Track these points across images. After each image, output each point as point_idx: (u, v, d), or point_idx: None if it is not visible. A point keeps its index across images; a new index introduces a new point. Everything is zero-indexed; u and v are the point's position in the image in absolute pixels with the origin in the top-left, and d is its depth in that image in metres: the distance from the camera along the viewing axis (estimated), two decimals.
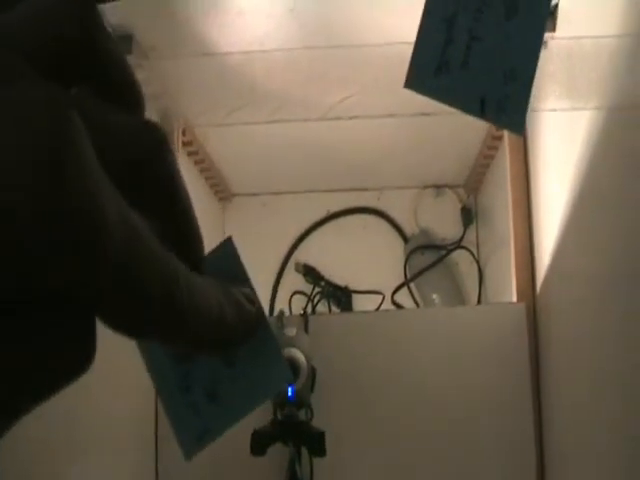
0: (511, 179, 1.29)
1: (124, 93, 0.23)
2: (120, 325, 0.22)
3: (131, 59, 1.11)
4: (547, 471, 1.18)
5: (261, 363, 0.28)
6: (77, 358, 0.21)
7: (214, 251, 0.31)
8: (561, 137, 1.11)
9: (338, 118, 1.02)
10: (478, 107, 0.47)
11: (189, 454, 0.31)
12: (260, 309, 0.28)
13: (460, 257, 1.77)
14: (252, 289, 0.30)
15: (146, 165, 0.22)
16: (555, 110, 1.03)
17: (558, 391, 1.14)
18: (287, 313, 1.34)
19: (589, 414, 0.99)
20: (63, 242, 0.18)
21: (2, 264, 0.18)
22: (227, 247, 0.31)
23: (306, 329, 1.24)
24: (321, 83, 0.99)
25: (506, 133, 1.33)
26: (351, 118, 1.03)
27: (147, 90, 1.19)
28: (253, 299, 0.27)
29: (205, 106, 1.16)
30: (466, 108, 0.47)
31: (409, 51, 0.46)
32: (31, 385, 0.20)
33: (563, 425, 1.12)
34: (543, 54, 0.45)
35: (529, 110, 0.45)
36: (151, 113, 1.29)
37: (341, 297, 1.78)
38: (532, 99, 0.47)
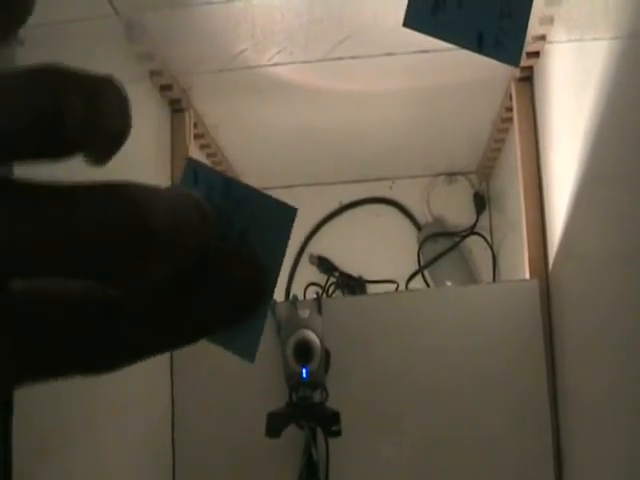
0: (521, 153, 1.28)
1: None
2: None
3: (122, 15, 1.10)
4: (563, 444, 1.18)
5: (263, 222, 0.29)
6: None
7: (183, 177, 0.31)
8: (570, 110, 1.11)
9: (339, 58, 1.03)
10: (475, 42, 0.47)
11: (252, 356, 0.31)
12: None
13: (474, 244, 1.76)
14: (232, 180, 0.30)
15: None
16: (562, 42, 1.03)
17: (573, 363, 1.13)
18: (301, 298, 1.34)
19: (605, 385, 0.98)
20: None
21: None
22: (191, 165, 0.31)
23: (319, 311, 1.24)
24: (321, 25, 0.99)
25: (515, 113, 1.33)
26: (352, 58, 1.03)
27: (140, 49, 1.18)
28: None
29: (204, 53, 1.17)
30: (464, 44, 0.47)
31: None
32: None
33: (578, 397, 1.11)
34: None
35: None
36: (150, 80, 1.28)
37: (355, 287, 1.78)
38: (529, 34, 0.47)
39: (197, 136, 1.52)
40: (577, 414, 1.12)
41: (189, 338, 0.23)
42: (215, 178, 0.30)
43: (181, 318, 0.23)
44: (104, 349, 0.21)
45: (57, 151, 0.19)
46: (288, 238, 0.29)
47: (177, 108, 1.41)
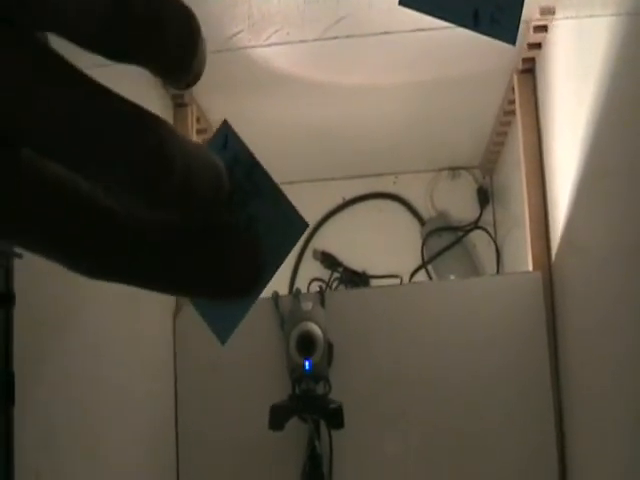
0: (524, 146, 1.28)
1: None
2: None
3: None
4: (566, 435, 1.17)
5: (273, 222, 0.29)
6: None
7: (213, 137, 0.31)
8: (572, 102, 1.11)
9: (335, 38, 1.03)
10: (471, 20, 0.47)
11: (224, 339, 0.31)
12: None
13: (477, 238, 1.76)
14: (260, 167, 0.30)
15: None
16: (567, 18, 1.03)
17: (575, 354, 1.13)
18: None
19: (608, 376, 0.98)
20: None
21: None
22: (224, 129, 0.31)
23: (322, 304, 1.24)
24: (317, 5, 0.99)
25: (518, 105, 1.33)
26: (348, 37, 1.03)
27: None
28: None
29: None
30: (460, 21, 0.47)
31: None
32: None
33: (581, 388, 1.11)
34: None
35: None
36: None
37: (359, 282, 1.78)
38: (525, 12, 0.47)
39: (200, 131, 1.52)
40: (580, 404, 1.12)
41: (172, 282, 0.24)
42: (244, 154, 0.30)
43: (174, 260, 0.23)
44: (91, 248, 0.22)
45: (112, 43, 0.19)
46: (291, 248, 0.29)
47: (180, 103, 1.41)
